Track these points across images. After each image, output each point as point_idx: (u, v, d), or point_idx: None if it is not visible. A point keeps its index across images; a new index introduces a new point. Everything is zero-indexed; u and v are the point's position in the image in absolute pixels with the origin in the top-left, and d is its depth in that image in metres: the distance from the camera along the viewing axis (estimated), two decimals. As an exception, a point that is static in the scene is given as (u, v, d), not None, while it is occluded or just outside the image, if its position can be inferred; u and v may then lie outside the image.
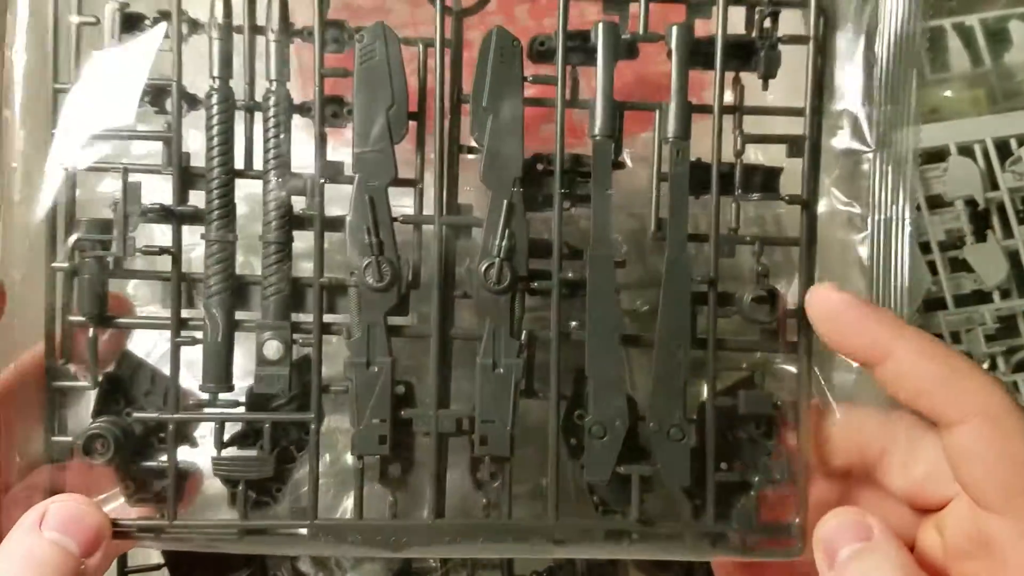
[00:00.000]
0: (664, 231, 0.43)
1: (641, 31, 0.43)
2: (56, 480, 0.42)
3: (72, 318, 0.42)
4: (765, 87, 0.44)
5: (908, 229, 0.44)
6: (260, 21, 0.43)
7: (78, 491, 0.41)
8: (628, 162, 0.45)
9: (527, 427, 0.44)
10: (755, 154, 0.46)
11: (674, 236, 0.43)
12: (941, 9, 0.62)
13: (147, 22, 0.43)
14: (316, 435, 0.43)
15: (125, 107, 0.42)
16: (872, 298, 0.45)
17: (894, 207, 0.44)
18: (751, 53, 0.44)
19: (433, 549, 0.43)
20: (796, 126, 0.44)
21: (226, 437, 0.43)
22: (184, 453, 0.43)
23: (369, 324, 0.42)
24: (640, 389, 0.44)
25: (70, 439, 0.42)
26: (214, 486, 0.43)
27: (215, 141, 0.42)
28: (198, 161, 0.43)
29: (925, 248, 0.62)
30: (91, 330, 0.42)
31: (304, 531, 0.42)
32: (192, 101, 0.43)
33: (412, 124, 0.43)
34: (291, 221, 0.43)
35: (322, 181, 0.42)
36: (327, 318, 0.43)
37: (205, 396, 0.43)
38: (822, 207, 0.44)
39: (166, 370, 0.43)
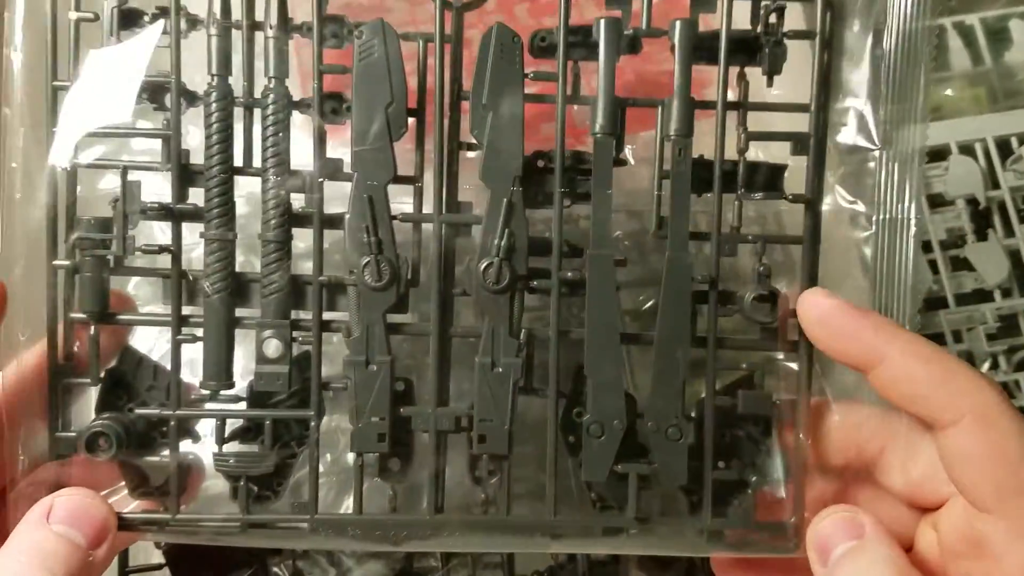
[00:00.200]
0: (665, 229, 0.43)
1: (644, 26, 0.43)
2: (61, 475, 0.42)
3: (73, 315, 0.42)
4: (770, 83, 0.44)
5: (913, 229, 0.44)
6: (259, 17, 0.43)
7: (83, 486, 0.42)
8: (630, 159, 0.45)
9: (526, 424, 0.44)
10: (756, 153, 0.46)
11: (675, 234, 0.43)
12: (941, 8, 0.61)
13: (145, 18, 0.43)
14: (316, 431, 0.43)
15: (123, 105, 0.41)
16: (875, 297, 0.44)
17: (900, 206, 0.44)
18: (756, 49, 0.44)
19: (432, 543, 0.44)
20: (800, 123, 0.44)
21: (228, 432, 0.44)
22: (187, 447, 0.44)
23: (368, 323, 0.43)
24: (640, 387, 0.44)
25: (73, 435, 0.42)
26: (217, 485, 0.44)
27: (214, 139, 0.42)
28: (198, 158, 0.43)
29: (926, 247, 0.62)
30: (92, 327, 0.42)
31: (305, 525, 0.43)
32: (191, 98, 0.43)
33: (412, 122, 0.43)
34: (290, 219, 0.43)
35: (320, 180, 0.42)
36: (327, 316, 0.43)
37: (207, 391, 0.43)
38: (826, 205, 0.44)
39: (168, 365, 0.43)
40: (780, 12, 0.43)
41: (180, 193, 0.43)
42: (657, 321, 0.43)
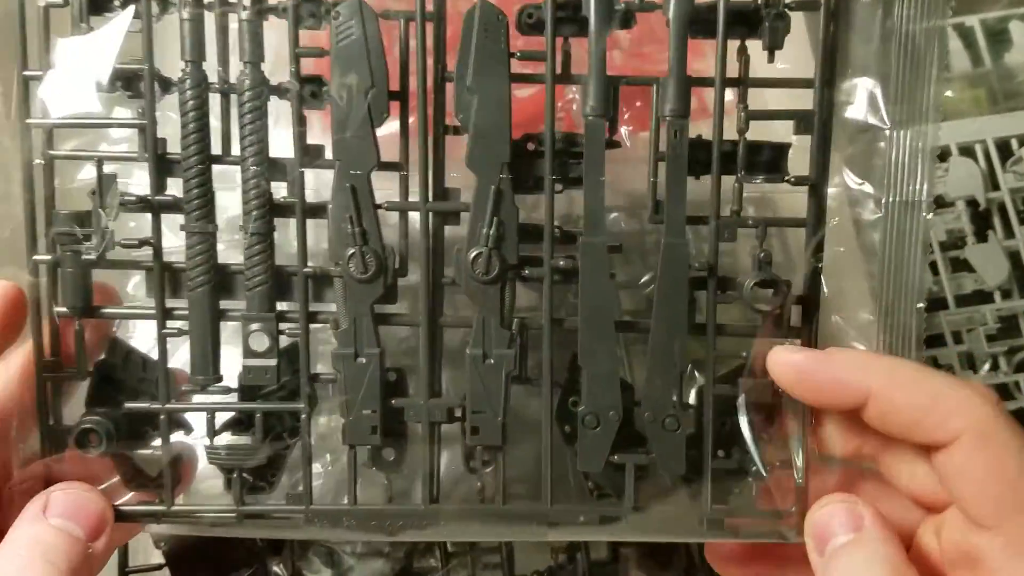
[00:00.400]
0: (662, 214, 0.41)
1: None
2: (55, 471, 0.42)
3: (58, 309, 0.42)
4: (771, 59, 0.41)
5: (925, 214, 0.41)
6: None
7: (79, 480, 0.42)
8: (626, 142, 0.43)
9: (522, 415, 0.43)
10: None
11: (672, 218, 0.41)
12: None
13: (116, 3, 0.41)
14: (307, 422, 0.42)
15: (95, 94, 0.40)
16: (882, 284, 0.42)
17: (911, 187, 0.42)
18: (756, 22, 0.41)
19: (428, 533, 0.44)
20: (805, 102, 0.41)
21: (220, 424, 0.43)
22: (179, 437, 0.43)
23: (356, 315, 0.42)
24: (639, 376, 0.43)
25: (66, 430, 0.42)
26: (217, 485, 0.44)
27: (190, 127, 0.41)
28: (176, 146, 0.41)
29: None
30: (77, 321, 0.42)
31: (300, 516, 0.43)
32: (166, 85, 0.41)
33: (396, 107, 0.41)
34: (272, 209, 0.42)
35: (300, 171, 0.41)
36: (314, 307, 0.42)
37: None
38: (832, 187, 0.41)
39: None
40: (783, -20, 0.40)
41: (159, 184, 0.41)
42: (653, 308, 0.41)
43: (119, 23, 0.40)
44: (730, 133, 0.41)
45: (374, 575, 0.51)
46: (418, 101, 0.41)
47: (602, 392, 0.42)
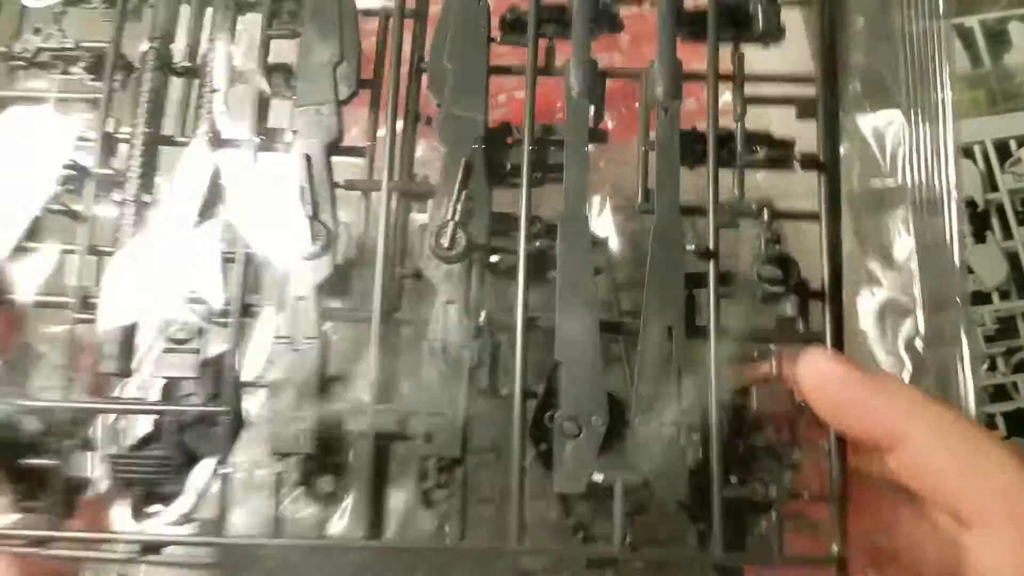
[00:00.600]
0: (652, 202, 0.37)
1: (621, -7, 0.39)
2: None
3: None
4: (765, 44, 0.39)
5: (955, 198, 0.36)
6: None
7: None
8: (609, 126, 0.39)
9: (488, 430, 0.35)
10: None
11: (663, 201, 0.36)
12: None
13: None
14: (230, 430, 0.35)
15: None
16: (920, 283, 0.36)
17: (936, 173, 0.37)
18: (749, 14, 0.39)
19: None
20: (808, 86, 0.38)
21: (134, 440, 0.36)
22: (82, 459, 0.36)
23: (296, 297, 0.36)
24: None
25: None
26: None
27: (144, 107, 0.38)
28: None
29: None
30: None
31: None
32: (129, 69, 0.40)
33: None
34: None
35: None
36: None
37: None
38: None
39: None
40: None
41: (104, 160, 0.38)
42: (644, 298, 0.35)
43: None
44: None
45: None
46: (388, 77, 0.38)
47: (583, 392, 0.34)
